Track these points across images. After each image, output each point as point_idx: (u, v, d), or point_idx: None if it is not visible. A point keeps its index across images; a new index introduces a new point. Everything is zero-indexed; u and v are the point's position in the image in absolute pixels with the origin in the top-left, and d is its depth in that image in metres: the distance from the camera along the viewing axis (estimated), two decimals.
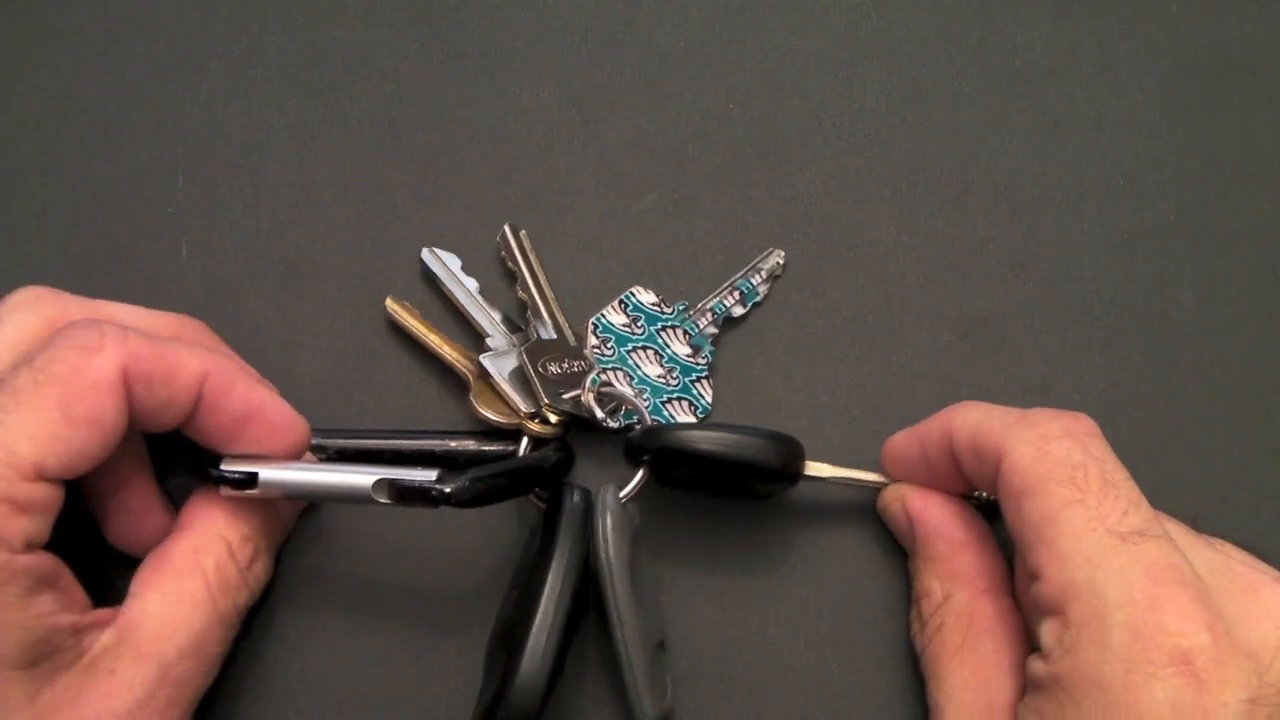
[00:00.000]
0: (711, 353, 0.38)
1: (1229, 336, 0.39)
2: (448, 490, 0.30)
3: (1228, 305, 0.39)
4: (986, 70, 0.42)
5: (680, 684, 0.35)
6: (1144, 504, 0.29)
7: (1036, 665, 0.28)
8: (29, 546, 0.28)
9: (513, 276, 0.39)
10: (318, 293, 0.39)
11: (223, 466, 0.32)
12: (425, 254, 0.39)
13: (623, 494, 0.34)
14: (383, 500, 0.31)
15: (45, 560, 0.28)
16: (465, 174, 0.41)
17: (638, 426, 0.36)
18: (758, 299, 0.39)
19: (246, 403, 0.32)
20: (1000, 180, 0.41)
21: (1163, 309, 0.39)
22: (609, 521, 0.33)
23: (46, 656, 0.28)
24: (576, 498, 0.34)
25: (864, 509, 0.37)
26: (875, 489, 0.36)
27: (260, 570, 0.33)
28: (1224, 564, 0.30)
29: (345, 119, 0.41)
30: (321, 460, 0.35)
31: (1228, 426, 0.38)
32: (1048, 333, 0.39)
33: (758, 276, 0.39)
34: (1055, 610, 0.28)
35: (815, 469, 0.35)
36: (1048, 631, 0.28)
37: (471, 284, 0.38)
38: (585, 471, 0.37)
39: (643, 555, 0.35)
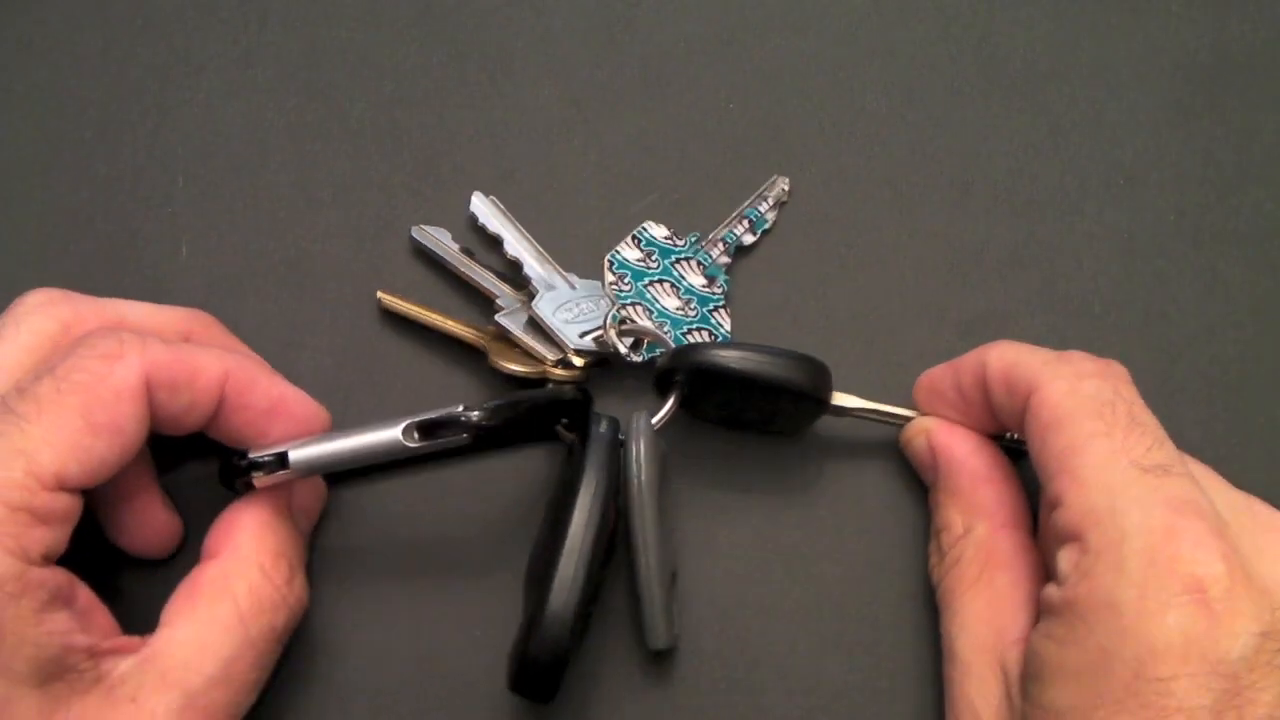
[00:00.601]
0: (726, 282, 0.39)
1: (1229, 336, 0.39)
2: (475, 415, 0.31)
3: (1228, 305, 0.39)
4: (986, 70, 0.42)
5: (689, 616, 0.35)
6: (1169, 444, 0.29)
7: (1051, 591, 0.29)
8: (46, 559, 0.27)
9: (494, 241, 0.39)
10: (317, 292, 0.39)
11: (251, 455, 0.32)
12: (415, 231, 0.39)
13: (655, 420, 0.34)
14: (413, 444, 0.31)
15: (62, 577, 0.28)
16: (465, 174, 0.41)
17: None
18: (766, 226, 0.40)
19: (269, 397, 0.32)
20: (1000, 180, 0.41)
21: (1163, 309, 0.39)
22: (642, 447, 0.33)
23: (59, 676, 0.28)
24: (604, 426, 0.34)
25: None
26: (897, 425, 0.36)
27: (300, 587, 0.32)
28: (1246, 504, 0.30)
29: (345, 119, 0.41)
30: None
31: (1228, 426, 0.38)
32: (1048, 333, 0.39)
33: (765, 204, 0.40)
34: (1074, 536, 0.28)
35: (842, 399, 0.35)
36: (1065, 557, 0.28)
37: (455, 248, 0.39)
38: (610, 407, 0.37)
39: (668, 486, 0.35)
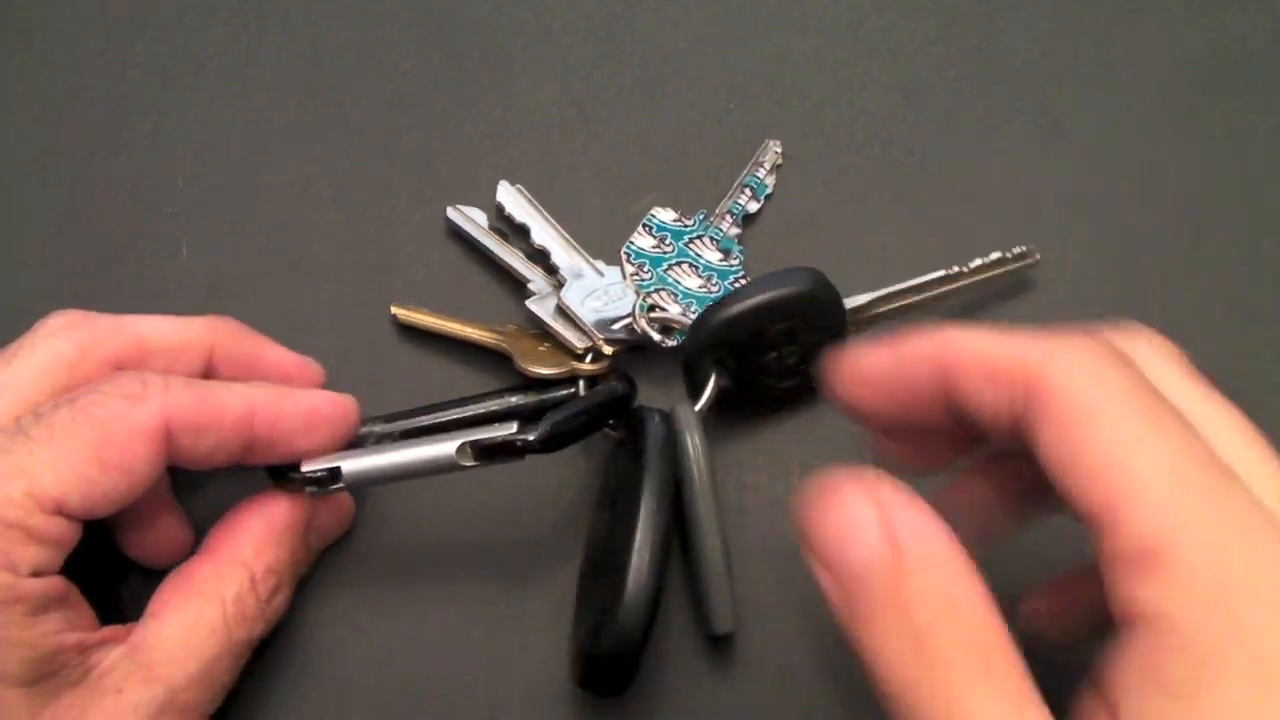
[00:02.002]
0: (742, 252, 0.39)
1: (1229, 336, 0.39)
2: (532, 438, 0.31)
3: (1227, 305, 0.39)
4: (986, 70, 0.42)
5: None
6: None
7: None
8: (35, 575, 0.27)
9: (520, 231, 0.39)
10: (318, 293, 0.39)
11: (304, 468, 0.32)
12: (450, 211, 0.39)
13: (698, 407, 0.35)
14: (468, 464, 0.31)
15: (54, 583, 0.28)
16: (465, 174, 0.41)
17: None
18: (768, 191, 0.40)
19: (300, 417, 0.32)
20: (1000, 180, 0.41)
21: (1163, 309, 0.39)
22: (698, 435, 0.33)
23: (51, 674, 0.28)
24: (658, 419, 0.34)
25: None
26: (922, 306, 0.37)
27: (280, 603, 0.33)
28: None
29: (345, 119, 0.41)
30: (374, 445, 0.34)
31: None
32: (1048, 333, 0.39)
33: (761, 170, 0.40)
34: (1138, 561, 0.21)
35: (856, 300, 0.36)
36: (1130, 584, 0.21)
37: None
38: (644, 393, 0.37)
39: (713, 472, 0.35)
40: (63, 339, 0.31)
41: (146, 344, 0.32)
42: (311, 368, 0.35)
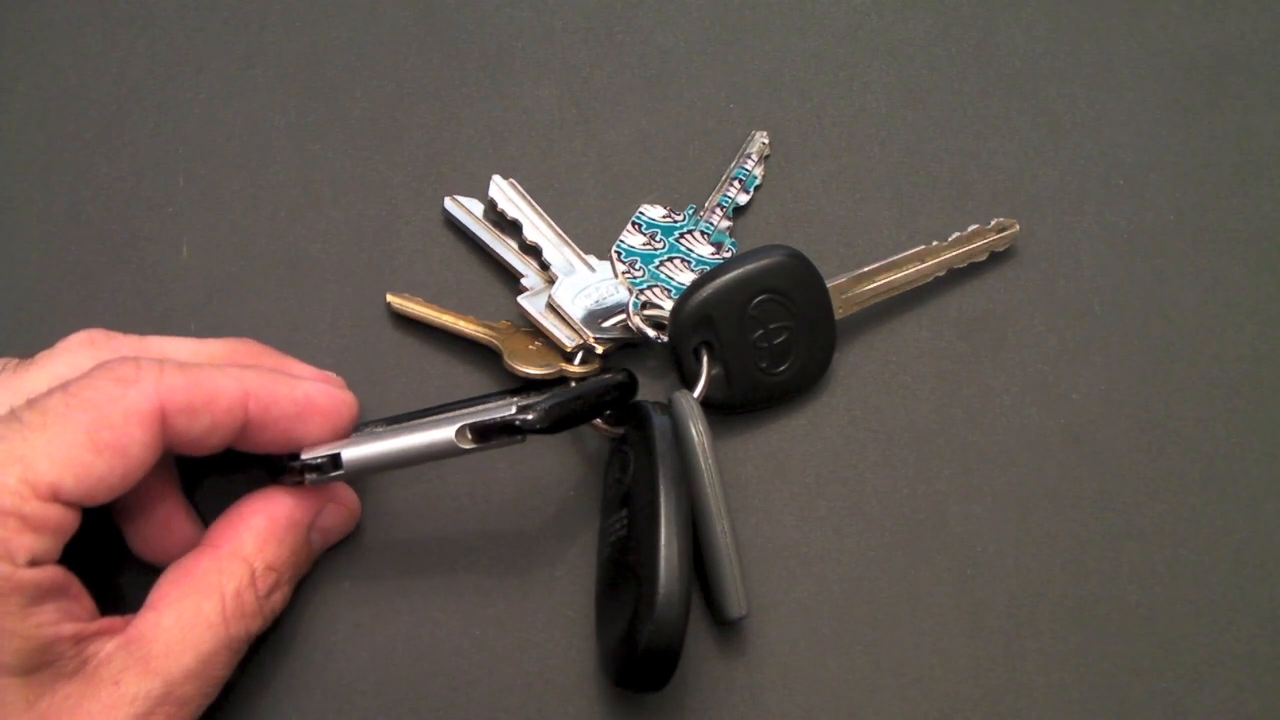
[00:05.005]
0: (733, 245, 0.39)
1: (1229, 336, 0.39)
2: (531, 418, 0.31)
3: (1228, 305, 0.39)
4: (986, 70, 0.42)
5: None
6: None
7: None
8: (33, 564, 0.27)
9: (514, 225, 0.39)
10: (318, 292, 0.39)
11: (304, 456, 0.32)
12: (448, 202, 0.39)
13: (696, 394, 0.35)
14: (467, 446, 0.31)
15: (52, 573, 0.28)
16: (465, 174, 0.41)
17: None
18: (757, 182, 0.40)
19: (294, 404, 0.32)
20: (1000, 180, 0.41)
21: (1163, 309, 0.39)
22: (700, 423, 0.34)
23: (47, 664, 0.28)
24: (661, 411, 0.34)
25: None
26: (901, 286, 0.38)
27: (278, 600, 0.33)
28: None
29: (345, 119, 0.41)
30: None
31: (1228, 426, 0.38)
32: (1048, 333, 0.39)
33: (750, 161, 0.40)
34: None
35: (839, 277, 0.37)
36: None
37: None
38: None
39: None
40: (83, 355, 0.31)
41: (165, 357, 0.32)
42: (334, 381, 0.35)
